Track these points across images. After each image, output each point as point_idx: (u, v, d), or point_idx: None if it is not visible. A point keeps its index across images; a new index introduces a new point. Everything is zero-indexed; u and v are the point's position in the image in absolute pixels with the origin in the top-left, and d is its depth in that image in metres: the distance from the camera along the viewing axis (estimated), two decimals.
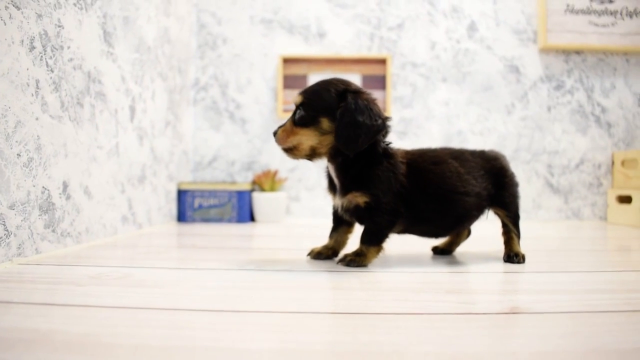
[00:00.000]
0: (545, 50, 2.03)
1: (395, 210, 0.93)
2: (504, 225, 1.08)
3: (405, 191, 0.94)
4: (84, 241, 1.19)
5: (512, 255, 1.02)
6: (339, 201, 0.97)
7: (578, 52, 2.04)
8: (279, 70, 1.98)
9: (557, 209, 2.03)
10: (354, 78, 1.99)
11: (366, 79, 1.99)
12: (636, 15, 2.05)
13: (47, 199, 1.03)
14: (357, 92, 0.90)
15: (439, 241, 1.15)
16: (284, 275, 0.86)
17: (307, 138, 0.91)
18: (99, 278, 0.81)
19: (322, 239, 1.37)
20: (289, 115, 1.98)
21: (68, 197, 1.12)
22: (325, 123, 0.90)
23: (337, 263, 0.96)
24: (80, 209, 1.17)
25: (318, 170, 2.01)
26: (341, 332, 0.55)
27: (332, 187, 1.00)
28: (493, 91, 2.02)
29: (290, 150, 0.93)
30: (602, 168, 2.05)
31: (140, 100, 1.52)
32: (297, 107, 0.92)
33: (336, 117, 0.88)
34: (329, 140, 0.91)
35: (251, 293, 0.73)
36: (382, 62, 1.99)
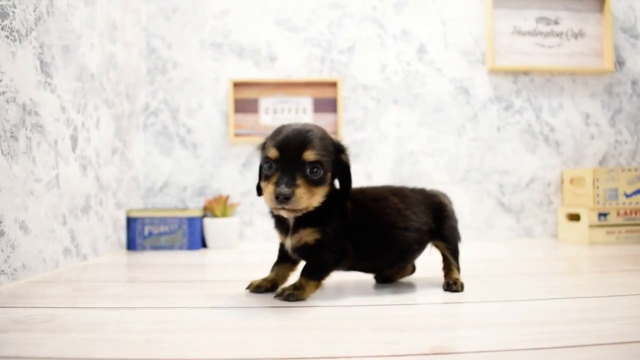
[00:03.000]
0: (494, 72, 2.07)
1: (344, 249, 0.95)
2: (444, 258, 1.09)
3: (349, 228, 0.96)
4: (21, 278, 1.14)
5: (451, 284, 1.02)
6: (289, 241, 0.96)
7: (526, 72, 2.08)
8: (229, 94, 1.96)
9: (509, 228, 2.05)
10: (305, 101, 1.99)
11: (317, 102, 1.99)
12: (581, 37, 2.10)
13: None
14: (344, 146, 0.96)
15: None
16: (222, 313, 0.84)
17: (320, 196, 0.90)
18: (24, 322, 0.78)
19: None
20: (241, 139, 1.97)
21: (2, 234, 1.07)
22: (329, 178, 0.92)
23: (275, 297, 0.94)
24: (15, 244, 1.13)
25: None
26: None
27: (281, 226, 0.99)
28: (444, 112, 2.04)
29: (302, 210, 0.88)
30: (552, 186, 2.08)
31: (83, 129, 1.48)
32: (311, 164, 0.87)
33: (334, 170, 0.93)
34: (327, 192, 0.92)
35: (182, 337, 0.70)
36: (333, 85, 1.99)
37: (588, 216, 1.84)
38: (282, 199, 0.83)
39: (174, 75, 2.00)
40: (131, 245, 1.82)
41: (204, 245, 1.89)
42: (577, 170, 1.99)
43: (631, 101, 2.13)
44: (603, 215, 1.85)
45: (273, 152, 0.87)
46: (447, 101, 2.05)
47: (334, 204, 0.95)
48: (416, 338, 0.69)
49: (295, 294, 0.92)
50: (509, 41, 2.07)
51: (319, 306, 0.90)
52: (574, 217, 1.97)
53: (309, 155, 0.87)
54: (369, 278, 1.17)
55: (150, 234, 1.83)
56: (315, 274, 0.94)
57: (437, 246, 1.09)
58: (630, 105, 2.13)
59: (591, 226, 1.84)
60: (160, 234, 1.83)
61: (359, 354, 0.62)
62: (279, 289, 0.95)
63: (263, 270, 1.28)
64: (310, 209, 0.89)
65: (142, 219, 1.83)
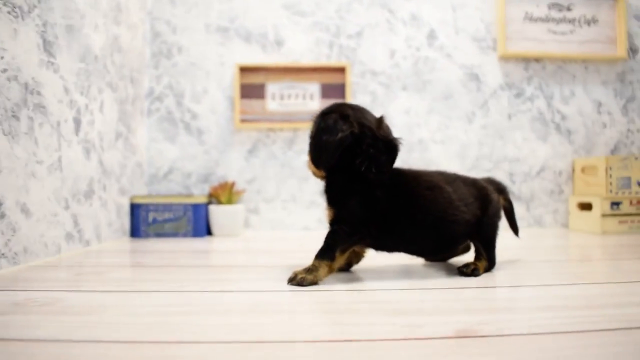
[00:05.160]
0: (505, 58, 2.03)
1: (356, 231, 0.93)
2: (476, 249, 1.06)
3: (384, 214, 0.93)
4: (22, 262, 1.11)
5: (468, 266, 0.99)
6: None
7: (537, 59, 2.04)
8: (235, 79, 1.93)
9: (519, 217, 2.01)
10: (313, 87, 1.95)
11: (325, 87, 1.95)
12: (594, 23, 2.06)
13: None
14: (326, 114, 0.96)
15: None
16: (231, 296, 0.81)
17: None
18: (23, 305, 0.74)
19: (281, 253, 1.32)
20: (247, 125, 1.94)
21: (2, 216, 1.04)
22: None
23: (288, 283, 0.91)
24: (16, 228, 1.10)
25: (277, 181, 1.96)
26: None
27: None
28: (453, 99, 2.01)
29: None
30: (563, 175, 2.04)
31: (87, 112, 1.45)
32: None
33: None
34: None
35: (189, 319, 0.67)
36: (341, 70, 1.95)
37: (600, 205, 1.81)
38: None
39: (179, 59, 1.97)
40: (135, 232, 1.79)
41: (209, 233, 1.86)
42: (589, 158, 1.95)
43: None
44: (616, 204, 1.82)
45: None
46: (457, 88, 2.01)
47: (350, 183, 0.93)
48: (439, 322, 0.66)
49: (307, 278, 0.89)
50: (521, 27, 2.03)
51: (334, 290, 0.87)
52: (586, 207, 1.93)
53: None
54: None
55: (154, 220, 1.80)
56: (325, 253, 0.92)
57: (471, 237, 1.06)
58: None
59: (603, 215, 1.81)
60: (165, 221, 1.81)
61: (378, 337, 0.59)
62: (292, 274, 0.92)
63: (272, 257, 1.25)
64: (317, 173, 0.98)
65: (146, 205, 1.80)
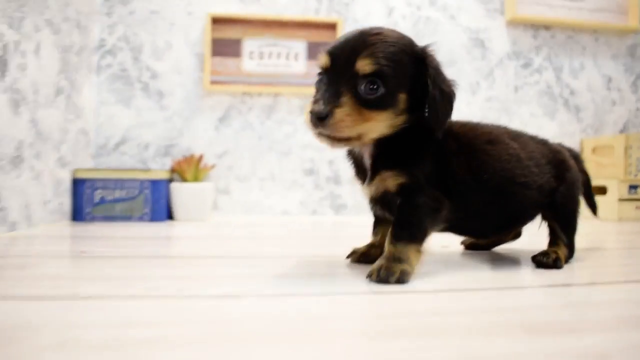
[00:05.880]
0: (513, 23, 1.80)
1: (439, 200, 0.67)
2: (551, 231, 0.82)
3: (452, 175, 0.69)
4: None
5: (547, 255, 0.75)
6: (367, 190, 0.71)
7: (547, 27, 1.83)
8: (206, 32, 1.61)
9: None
10: (298, 45, 1.66)
11: (312, 46, 1.66)
12: None
13: None
14: (431, 55, 0.66)
15: None
16: (212, 307, 0.51)
17: (380, 124, 0.63)
18: None
19: (260, 241, 1.04)
20: (218, 88, 1.62)
21: None
22: (402, 102, 0.64)
23: (368, 278, 0.63)
24: None
25: (252, 157, 1.66)
26: None
27: (359, 170, 0.74)
28: (457, 67, 1.76)
29: (348, 141, 0.63)
30: None
31: (17, 53, 1.11)
32: (368, 77, 0.62)
33: (412, 90, 0.64)
34: (400, 121, 0.65)
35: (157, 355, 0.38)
36: (332, 27, 1.67)
37: (618, 188, 1.62)
38: (314, 120, 0.60)
39: (138, 6, 1.62)
40: (77, 214, 1.45)
41: (170, 217, 1.54)
42: (602, 138, 1.76)
43: None
44: (634, 187, 1.63)
45: (323, 60, 0.64)
46: (461, 54, 1.77)
47: (424, 141, 0.67)
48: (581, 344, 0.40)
49: (394, 271, 0.62)
50: None
51: (419, 291, 0.59)
52: (598, 191, 1.74)
53: (364, 64, 0.61)
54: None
55: (102, 200, 1.47)
56: (413, 233, 0.65)
57: (544, 215, 0.82)
58: None
59: (621, 200, 1.62)
60: (115, 201, 1.47)
61: None
62: (371, 269, 0.64)
63: (256, 245, 0.97)
64: (367, 140, 0.63)
65: (93, 181, 1.46)
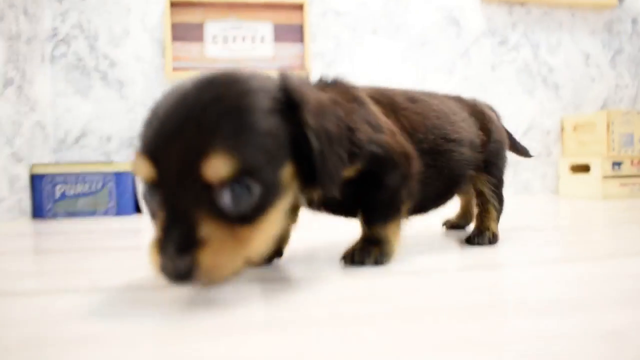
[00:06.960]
0: (487, 0, 1.74)
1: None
2: (480, 195, 0.74)
3: None
4: None
5: (482, 231, 0.70)
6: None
7: (522, 3, 1.77)
8: (165, 16, 1.52)
9: (505, 183, 1.75)
10: (264, 27, 1.58)
11: (279, 28, 1.58)
12: None
13: None
14: (301, 91, 0.44)
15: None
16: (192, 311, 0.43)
17: (271, 231, 0.43)
18: None
19: None
20: (181, 75, 1.54)
21: None
22: (290, 176, 0.44)
23: (342, 262, 0.56)
24: None
25: None
26: None
27: None
28: (431, 46, 1.70)
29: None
30: (552, 135, 1.80)
31: None
32: (228, 183, 0.38)
33: (296, 148, 0.43)
34: (296, 197, 0.48)
35: None
36: (299, 8, 1.59)
37: (601, 166, 1.56)
38: (174, 280, 0.38)
39: None
40: (37, 211, 1.36)
41: (137, 210, 1.46)
42: (584, 115, 1.71)
43: (631, 41, 1.88)
44: (617, 164, 1.58)
45: (145, 169, 0.39)
46: (435, 33, 1.70)
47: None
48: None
49: (372, 252, 0.55)
50: None
51: (397, 272, 0.52)
52: (580, 169, 1.69)
53: (218, 167, 0.38)
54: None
55: (63, 195, 1.38)
56: (390, 208, 0.56)
57: (471, 178, 0.72)
58: (630, 45, 1.88)
59: (605, 177, 1.57)
60: (78, 196, 1.39)
61: None
62: (346, 251, 0.56)
63: None
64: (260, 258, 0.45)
65: (52, 176, 1.37)
